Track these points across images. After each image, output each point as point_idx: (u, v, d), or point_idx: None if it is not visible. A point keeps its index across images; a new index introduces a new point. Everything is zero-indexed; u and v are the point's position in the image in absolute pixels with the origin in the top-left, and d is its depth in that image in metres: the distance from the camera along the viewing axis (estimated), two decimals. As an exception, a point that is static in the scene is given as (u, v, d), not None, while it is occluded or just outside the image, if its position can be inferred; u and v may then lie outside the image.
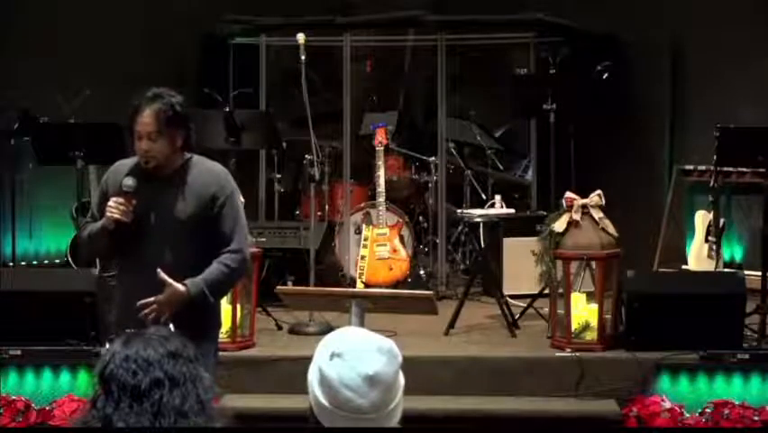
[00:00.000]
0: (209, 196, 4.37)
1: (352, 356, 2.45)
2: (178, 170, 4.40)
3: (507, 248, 7.82)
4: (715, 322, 6.06)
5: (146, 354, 2.39)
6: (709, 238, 7.36)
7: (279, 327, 6.79)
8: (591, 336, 6.22)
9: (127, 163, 4.48)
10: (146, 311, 4.22)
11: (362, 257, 7.95)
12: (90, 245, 4.54)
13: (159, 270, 4.23)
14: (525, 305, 6.99)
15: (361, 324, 4.57)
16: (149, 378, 2.36)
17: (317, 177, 7.10)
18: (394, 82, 10.00)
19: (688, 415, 5.80)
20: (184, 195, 4.36)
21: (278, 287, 5.50)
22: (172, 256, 4.33)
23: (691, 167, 8.02)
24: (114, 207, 4.27)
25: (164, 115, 4.31)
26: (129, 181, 4.31)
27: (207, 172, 4.43)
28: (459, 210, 8.11)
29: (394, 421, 2.49)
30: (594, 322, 6.21)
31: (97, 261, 6.46)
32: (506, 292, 7.33)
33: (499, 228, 7.83)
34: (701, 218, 7.62)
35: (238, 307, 6.24)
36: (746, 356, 5.96)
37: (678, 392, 5.91)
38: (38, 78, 8.19)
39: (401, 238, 8.05)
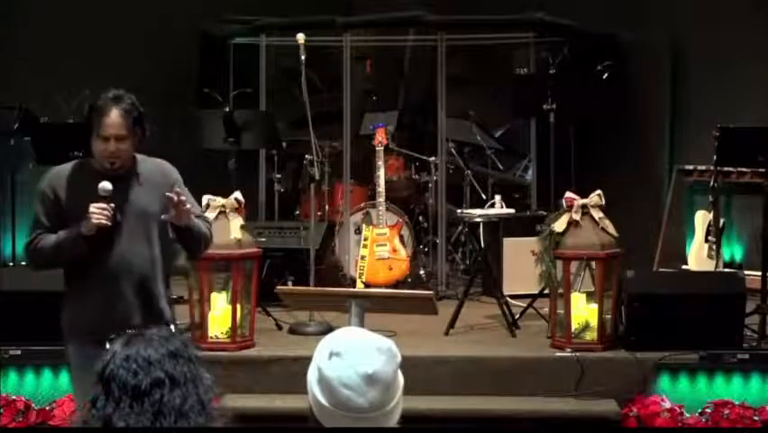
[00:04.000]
0: (168, 187, 4.44)
1: (350, 355, 2.45)
2: (132, 169, 4.45)
3: (507, 248, 7.83)
4: (715, 322, 6.06)
5: (146, 353, 2.39)
6: (709, 238, 7.36)
7: (279, 327, 6.79)
8: (591, 336, 6.22)
9: (67, 168, 4.48)
10: (179, 205, 4.29)
11: (362, 257, 7.95)
12: (57, 255, 4.41)
13: (173, 195, 4.31)
14: (525, 305, 6.99)
15: (361, 324, 4.57)
16: (149, 378, 2.36)
17: (317, 177, 7.10)
18: (394, 82, 10.00)
19: (688, 415, 5.80)
20: (148, 191, 4.44)
21: (278, 287, 5.50)
22: (147, 252, 4.43)
23: (691, 167, 8.03)
24: (99, 213, 4.27)
25: (131, 115, 4.36)
26: (107, 186, 4.32)
27: (158, 166, 4.54)
28: (459, 210, 8.10)
29: (393, 421, 2.49)
30: (594, 322, 6.21)
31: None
32: (506, 292, 7.33)
33: (499, 228, 7.83)
34: (701, 218, 7.63)
35: (238, 307, 6.24)
36: (746, 356, 5.97)
37: (678, 392, 5.91)
38: (38, 78, 8.20)
39: (401, 238, 8.05)
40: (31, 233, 4.46)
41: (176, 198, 4.32)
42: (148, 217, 4.42)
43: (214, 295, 6.27)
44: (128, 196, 4.40)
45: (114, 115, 4.33)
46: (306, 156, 7.61)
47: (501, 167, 9.21)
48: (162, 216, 4.40)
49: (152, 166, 4.52)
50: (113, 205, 4.31)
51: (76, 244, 4.33)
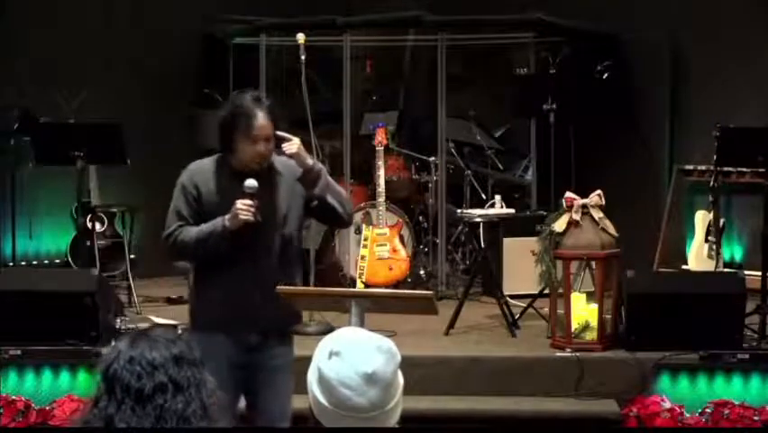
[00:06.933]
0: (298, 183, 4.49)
1: (350, 355, 2.45)
2: (267, 167, 4.44)
3: (507, 248, 7.83)
4: (715, 322, 6.06)
5: (151, 356, 2.38)
6: (709, 238, 7.37)
7: (279, 327, 6.78)
8: (591, 336, 6.23)
9: (208, 164, 4.50)
10: (290, 149, 4.38)
11: (362, 257, 7.95)
12: (198, 248, 4.40)
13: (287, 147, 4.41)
14: (525, 305, 6.99)
15: (361, 324, 4.56)
16: (153, 382, 2.35)
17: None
18: (394, 82, 10.00)
19: (688, 415, 5.80)
20: (282, 189, 4.44)
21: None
22: (278, 248, 4.43)
23: (691, 167, 8.03)
24: (246, 210, 4.28)
25: (274, 115, 4.42)
26: (253, 183, 4.32)
27: (285, 162, 4.49)
28: (459, 210, 8.10)
29: (393, 420, 2.49)
30: (594, 322, 6.21)
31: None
32: (506, 292, 7.34)
33: (499, 228, 7.83)
34: (701, 218, 7.63)
35: (238, 307, 6.22)
36: (746, 356, 5.97)
37: (678, 392, 5.91)
38: (38, 78, 8.20)
39: (401, 238, 8.05)
40: (170, 224, 4.44)
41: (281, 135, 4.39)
42: (282, 215, 4.43)
43: (214, 295, 6.26)
44: (265, 194, 4.39)
45: (262, 117, 4.36)
46: (306, 156, 7.59)
47: (501, 167, 9.21)
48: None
49: (283, 164, 4.50)
50: (257, 202, 4.31)
51: (221, 239, 4.33)
